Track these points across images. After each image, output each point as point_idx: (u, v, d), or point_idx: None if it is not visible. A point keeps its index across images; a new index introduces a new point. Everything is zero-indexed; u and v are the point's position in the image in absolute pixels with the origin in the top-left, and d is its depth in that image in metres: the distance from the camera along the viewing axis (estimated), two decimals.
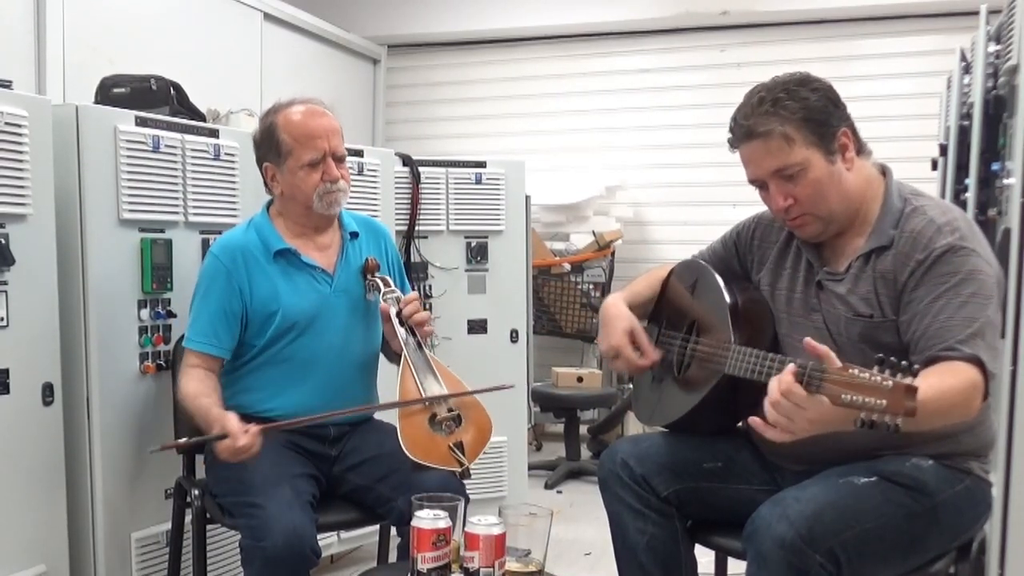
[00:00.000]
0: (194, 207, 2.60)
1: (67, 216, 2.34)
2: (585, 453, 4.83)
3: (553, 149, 5.48)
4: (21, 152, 2.18)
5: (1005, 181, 2.54)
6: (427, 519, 1.65)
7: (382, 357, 2.46)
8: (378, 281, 2.33)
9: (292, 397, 2.25)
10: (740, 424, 2.03)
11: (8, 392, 2.18)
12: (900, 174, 1.88)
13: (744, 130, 1.80)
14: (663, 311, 2.16)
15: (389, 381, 2.38)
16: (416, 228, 3.51)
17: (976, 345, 1.60)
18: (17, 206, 2.18)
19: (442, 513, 1.66)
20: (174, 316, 2.53)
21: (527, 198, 3.92)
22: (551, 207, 5.17)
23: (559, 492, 4.39)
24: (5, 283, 2.17)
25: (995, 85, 2.88)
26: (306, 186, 2.24)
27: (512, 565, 1.69)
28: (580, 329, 5.06)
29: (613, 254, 5.13)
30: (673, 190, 5.35)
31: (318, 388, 2.27)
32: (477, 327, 3.63)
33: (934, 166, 3.64)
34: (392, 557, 2.48)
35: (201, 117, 2.85)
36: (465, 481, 2.14)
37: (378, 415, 2.42)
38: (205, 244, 2.60)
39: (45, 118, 2.26)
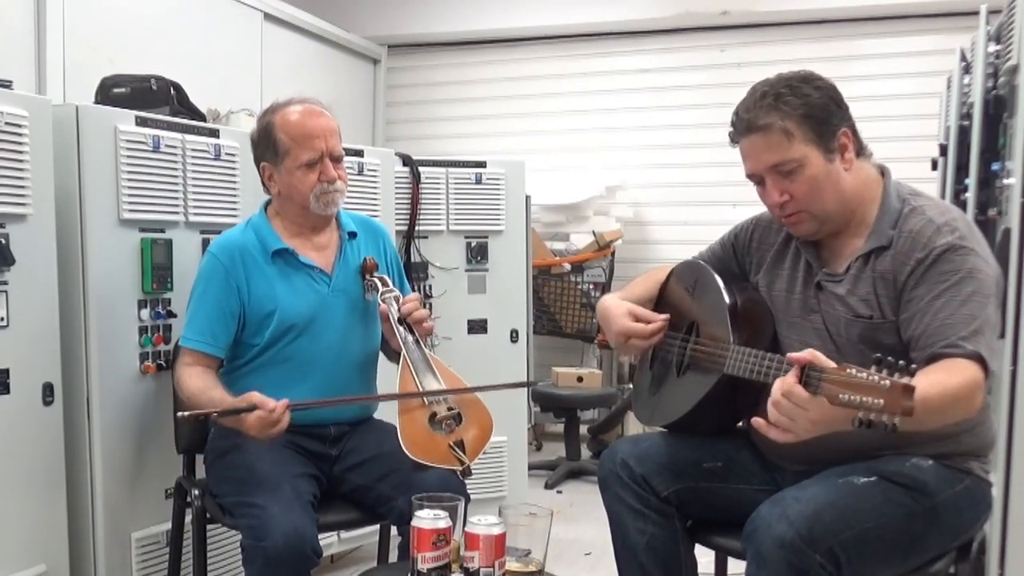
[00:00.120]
0: (194, 207, 2.60)
1: (67, 216, 2.34)
2: (585, 453, 4.83)
3: (553, 149, 5.48)
4: (21, 152, 2.18)
5: (1005, 181, 2.54)
6: (427, 519, 1.65)
7: (381, 357, 2.46)
8: (376, 281, 2.33)
9: (292, 397, 2.24)
10: (740, 424, 2.03)
11: (8, 392, 2.18)
12: (900, 174, 1.88)
13: (745, 123, 1.81)
14: (662, 312, 2.16)
15: (389, 381, 2.38)
16: (416, 228, 3.51)
17: (977, 342, 1.60)
18: (17, 206, 2.18)
19: (442, 513, 1.66)
20: (174, 316, 2.53)
21: (527, 198, 3.92)
22: (551, 207, 5.17)
23: (559, 492, 4.39)
24: (5, 283, 2.17)
25: (995, 85, 2.88)
26: (303, 186, 2.24)
27: (512, 565, 1.70)
28: (580, 329, 5.06)
29: (613, 254, 5.13)
30: (673, 190, 5.35)
31: (318, 388, 2.26)
32: (477, 327, 3.63)
33: (934, 166, 3.64)
34: (392, 557, 2.48)
35: (201, 117, 2.85)
36: (465, 480, 2.14)
37: (378, 414, 2.42)
38: (205, 244, 2.60)
39: (45, 118, 2.26)
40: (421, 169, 3.51)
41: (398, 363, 2.26)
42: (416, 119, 5.88)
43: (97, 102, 2.66)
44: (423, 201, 3.52)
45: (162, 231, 2.53)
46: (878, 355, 1.44)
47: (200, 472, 2.37)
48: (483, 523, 1.65)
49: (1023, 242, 2.35)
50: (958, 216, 1.76)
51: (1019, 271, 2.36)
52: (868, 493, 1.70)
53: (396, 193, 3.41)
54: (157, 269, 2.49)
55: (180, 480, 2.39)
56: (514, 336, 3.70)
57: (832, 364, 1.48)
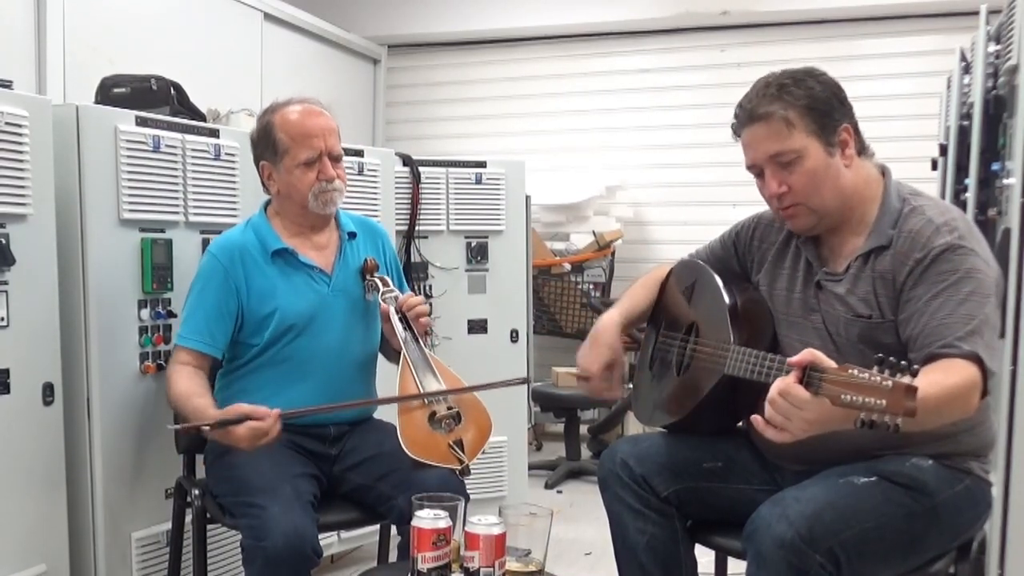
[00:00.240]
0: (194, 207, 2.60)
1: (67, 216, 2.34)
2: (585, 453, 4.83)
3: (553, 149, 5.48)
4: (21, 152, 2.18)
5: (1005, 181, 2.54)
6: (427, 519, 1.65)
7: (381, 357, 2.46)
8: (377, 281, 2.33)
9: (291, 398, 2.25)
10: (740, 424, 2.03)
11: (8, 392, 2.18)
12: (900, 174, 1.88)
13: (747, 113, 1.81)
14: (662, 312, 2.17)
15: (388, 380, 2.38)
16: (416, 228, 3.51)
17: (975, 342, 1.60)
18: (17, 206, 2.18)
19: (442, 513, 1.66)
20: (174, 316, 2.53)
21: (527, 198, 3.92)
22: (551, 207, 5.17)
23: (559, 492, 4.39)
24: (5, 283, 2.17)
25: (995, 85, 2.88)
26: (302, 185, 2.24)
27: (512, 565, 1.70)
28: (580, 329, 5.06)
29: (613, 254, 5.14)
30: (673, 190, 5.35)
31: (317, 388, 2.27)
32: (477, 327, 3.63)
33: (934, 166, 3.64)
34: (392, 557, 2.48)
35: (201, 117, 2.85)
36: (465, 479, 2.15)
37: (377, 414, 2.42)
38: (205, 244, 2.60)
39: (45, 118, 2.26)
40: (421, 169, 3.51)
41: (398, 363, 2.27)
42: (416, 119, 5.88)
43: (97, 102, 2.66)
44: (423, 201, 3.52)
45: (162, 231, 2.53)
46: (880, 355, 1.43)
47: (200, 472, 2.37)
48: (483, 523, 1.65)
49: (1023, 242, 2.35)
50: (958, 216, 1.76)
51: (1019, 271, 2.36)
52: (868, 493, 1.70)
53: (396, 193, 3.41)
54: (157, 269, 2.49)
55: (180, 480, 2.39)
56: (514, 336, 3.70)
57: (833, 364, 1.48)
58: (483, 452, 2.21)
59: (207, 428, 2.04)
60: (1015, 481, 2.36)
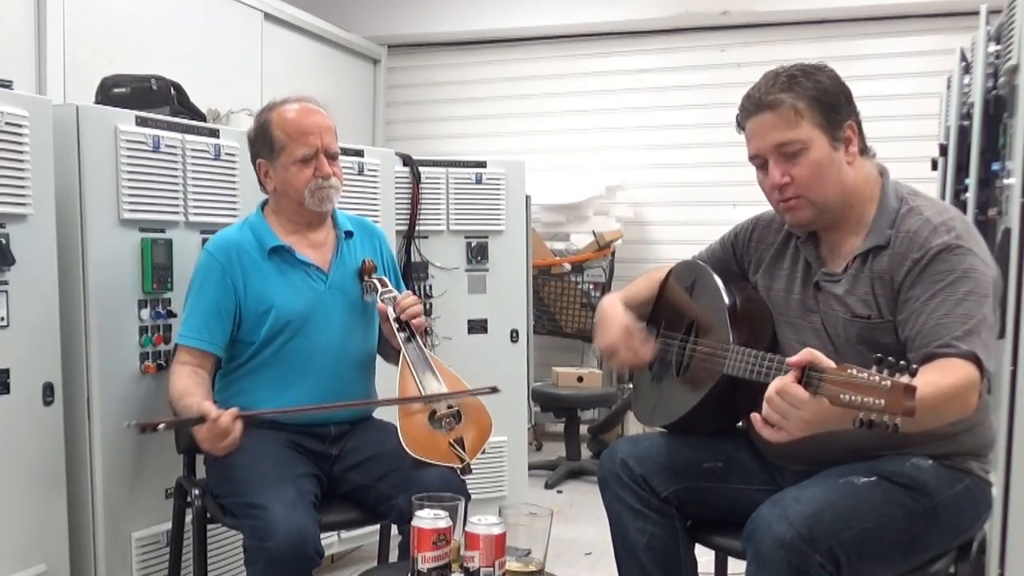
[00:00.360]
0: (194, 207, 2.60)
1: (67, 216, 2.34)
2: (585, 453, 4.83)
3: (553, 149, 5.48)
4: (21, 152, 2.18)
5: (1005, 181, 2.54)
6: (427, 519, 1.65)
7: (379, 358, 2.46)
8: (375, 282, 2.35)
9: (290, 397, 2.25)
10: (740, 424, 2.03)
11: (8, 392, 2.18)
12: (900, 174, 1.88)
13: (754, 102, 1.81)
14: (662, 311, 2.17)
15: (387, 379, 2.39)
16: (416, 228, 3.51)
17: (972, 342, 1.60)
18: (17, 206, 2.18)
19: (442, 513, 1.66)
20: (174, 316, 2.53)
21: (527, 198, 3.92)
22: (551, 207, 5.17)
23: (559, 492, 4.39)
24: (5, 283, 2.17)
25: (995, 85, 2.88)
26: (298, 181, 2.25)
27: (512, 565, 1.70)
28: (580, 329, 5.06)
29: (613, 254, 5.14)
30: (673, 190, 5.35)
31: (316, 387, 2.27)
32: (477, 327, 3.63)
33: (934, 166, 3.64)
34: (392, 557, 2.48)
35: (201, 117, 2.85)
36: (465, 478, 2.15)
37: (377, 413, 2.42)
38: (205, 244, 2.60)
39: (45, 118, 2.26)
40: (421, 169, 3.51)
41: (396, 363, 2.28)
42: (416, 119, 5.88)
43: (97, 102, 2.66)
44: (423, 201, 3.52)
45: (162, 231, 2.53)
46: (878, 355, 1.43)
47: (200, 472, 2.37)
48: (483, 523, 1.65)
49: (1023, 242, 2.35)
50: (956, 216, 1.76)
51: (1019, 271, 2.36)
52: (868, 493, 1.70)
53: (396, 193, 3.41)
54: (157, 269, 2.50)
55: (180, 480, 2.39)
56: (514, 336, 3.70)
57: (832, 364, 1.48)
58: (483, 452, 2.22)
59: (162, 427, 2.06)
60: (1015, 481, 2.36)
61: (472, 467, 2.15)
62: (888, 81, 4.84)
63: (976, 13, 3.18)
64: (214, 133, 2.68)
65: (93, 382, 2.38)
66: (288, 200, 2.30)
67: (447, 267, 3.58)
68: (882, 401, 1.40)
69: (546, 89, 5.59)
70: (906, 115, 4.68)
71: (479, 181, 3.61)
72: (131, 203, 2.44)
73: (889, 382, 1.40)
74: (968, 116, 3.07)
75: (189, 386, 2.16)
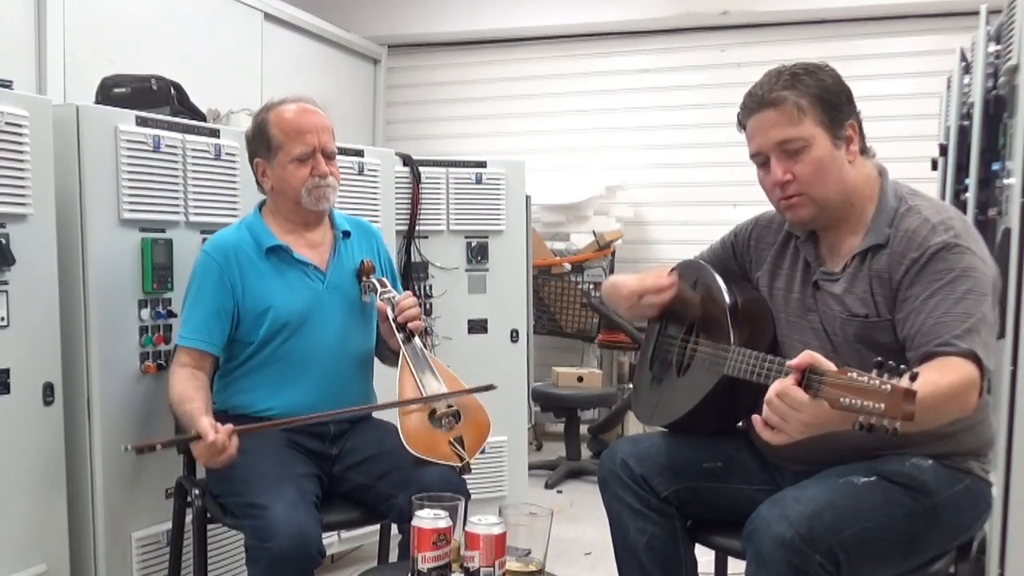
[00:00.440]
0: (195, 207, 2.60)
1: (68, 216, 2.34)
2: (585, 453, 4.83)
3: (553, 149, 5.48)
4: (22, 152, 2.18)
5: (1005, 181, 2.54)
6: (427, 519, 1.65)
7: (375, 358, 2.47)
8: (374, 283, 2.35)
9: (289, 396, 2.26)
10: (740, 424, 2.03)
11: (8, 392, 2.18)
12: (900, 174, 1.88)
13: (757, 99, 1.81)
14: (663, 311, 2.16)
15: (386, 378, 2.39)
16: (416, 228, 3.51)
17: (972, 341, 1.60)
18: (18, 206, 2.18)
19: (442, 513, 1.66)
20: (174, 316, 2.53)
21: (527, 198, 3.92)
22: (551, 207, 5.17)
23: (559, 492, 4.39)
24: (5, 283, 2.17)
25: (995, 85, 2.88)
26: (294, 180, 2.25)
27: (512, 565, 1.70)
28: (580, 329, 5.06)
29: (613, 254, 5.14)
30: (673, 190, 5.35)
31: (314, 386, 2.27)
32: (477, 327, 3.63)
33: (934, 166, 3.64)
34: (393, 557, 2.48)
35: (202, 117, 2.85)
36: (465, 477, 2.16)
37: (377, 412, 2.42)
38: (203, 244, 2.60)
39: (46, 118, 2.26)
40: (421, 169, 3.51)
41: (393, 365, 2.29)
42: (416, 119, 5.88)
43: (97, 102, 2.66)
44: (423, 201, 3.52)
45: (162, 231, 2.53)
46: (879, 359, 1.43)
47: (200, 472, 2.37)
48: (483, 523, 1.65)
49: (1023, 242, 2.35)
50: (954, 215, 1.76)
51: (1019, 271, 2.36)
52: (868, 493, 1.70)
53: (396, 193, 3.41)
54: (157, 269, 2.50)
55: (180, 480, 2.39)
56: (514, 336, 3.70)
57: (833, 367, 1.48)
58: (483, 452, 2.22)
59: (159, 447, 2.08)
60: (1015, 481, 2.36)
61: (472, 466, 2.15)
62: (888, 81, 4.84)
63: (976, 13, 3.18)
64: (214, 133, 2.68)
65: (93, 382, 2.38)
66: (285, 199, 2.30)
67: (447, 267, 3.58)
68: (882, 405, 1.40)
69: (546, 89, 5.59)
70: (906, 115, 4.68)
71: (479, 181, 3.61)
72: (131, 203, 2.44)
73: (889, 386, 1.40)
74: (968, 116, 3.07)
75: (188, 390, 2.16)
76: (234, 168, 2.71)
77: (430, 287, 3.55)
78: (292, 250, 2.30)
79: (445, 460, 2.12)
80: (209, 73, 4.08)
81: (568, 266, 5.00)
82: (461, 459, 2.13)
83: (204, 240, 2.61)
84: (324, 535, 2.03)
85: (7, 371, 2.18)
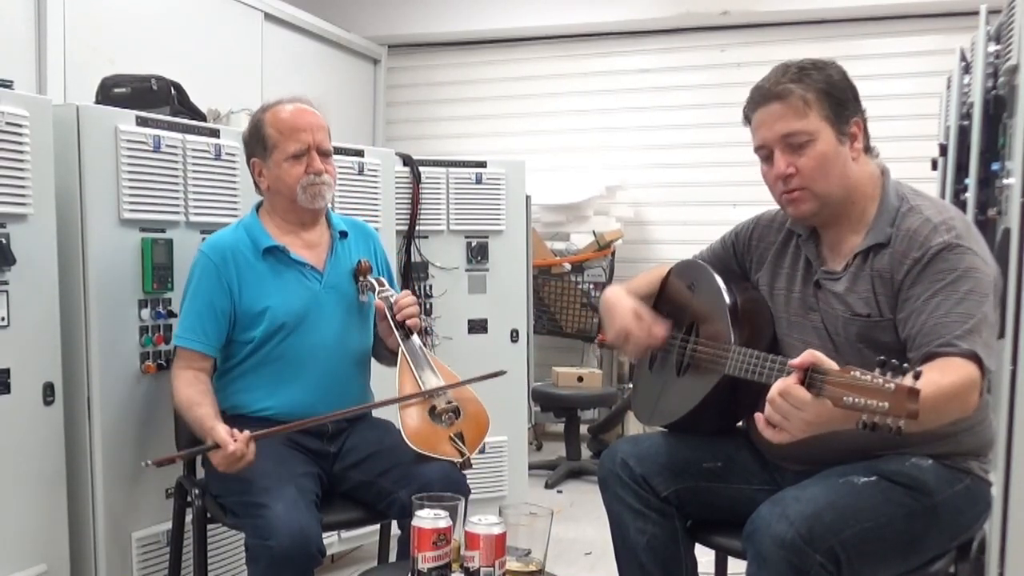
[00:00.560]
0: (195, 207, 2.60)
1: (68, 216, 2.34)
2: (585, 453, 4.83)
3: (553, 149, 5.48)
4: (22, 152, 2.18)
5: (1005, 181, 2.54)
6: (427, 519, 1.65)
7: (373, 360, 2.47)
8: (372, 282, 2.36)
9: (287, 395, 2.26)
10: (740, 424, 2.03)
11: (9, 392, 2.18)
12: (900, 174, 1.88)
13: (764, 92, 1.81)
14: (662, 311, 2.16)
15: (385, 377, 2.39)
16: (416, 228, 3.51)
17: (973, 341, 1.60)
18: (18, 206, 2.18)
19: (442, 513, 1.66)
20: (175, 316, 2.53)
21: (527, 198, 3.92)
22: (551, 207, 5.17)
23: (559, 492, 4.39)
24: (6, 283, 2.17)
25: (995, 85, 2.88)
26: (290, 178, 2.26)
27: (512, 565, 1.70)
28: (580, 329, 5.06)
29: (613, 254, 5.14)
30: (673, 190, 5.35)
31: (312, 385, 2.28)
32: (477, 327, 3.63)
33: (934, 166, 3.64)
34: (393, 556, 2.48)
35: (202, 117, 2.85)
36: (465, 472, 2.16)
37: (375, 411, 2.43)
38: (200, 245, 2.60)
39: (46, 118, 2.26)
40: (421, 169, 3.51)
41: (390, 365, 2.31)
42: (416, 119, 5.88)
43: (98, 102, 2.66)
44: (423, 201, 3.52)
45: (162, 231, 2.53)
46: (882, 357, 1.43)
47: (200, 472, 2.37)
48: (483, 523, 1.65)
49: (1023, 242, 2.35)
50: (956, 215, 1.76)
51: (1019, 271, 2.36)
52: (868, 493, 1.70)
53: (396, 193, 3.41)
54: (157, 269, 2.50)
55: (180, 480, 2.39)
56: (514, 336, 3.70)
57: (835, 366, 1.48)
58: (482, 452, 2.23)
59: (179, 459, 2.12)
60: (1015, 481, 2.36)
61: (472, 462, 2.16)
62: (888, 81, 4.84)
63: (976, 13, 3.18)
64: (214, 133, 2.68)
65: (93, 382, 2.38)
66: (281, 198, 2.31)
67: (447, 267, 3.58)
68: (886, 404, 1.39)
69: (546, 89, 5.59)
70: (906, 115, 4.68)
71: (479, 181, 3.61)
72: (131, 203, 2.44)
73: (893, 384, 1.39)
74: (968, 116, 3.07)
75: (194, 394, 2.17)
76: (234, 168, 2.71)
77: (430, 287, 3.55)
78: (289, 250, 2.30)
79: (446, 456, 2.13)
80: (209, 73, 4.08)
81: (568, 266, 5.00)
82: (462, 454, 2.14)
83: (204, 240, 2.61)
84: (324, 535, 2.03)
85: (7, 371, 2.18)
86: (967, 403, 1.59)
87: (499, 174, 3.63)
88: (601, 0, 5.35)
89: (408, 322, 2.30)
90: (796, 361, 1.52)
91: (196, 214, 2.61)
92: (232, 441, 2.01)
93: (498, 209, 3.64)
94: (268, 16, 4.77)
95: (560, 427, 4.91)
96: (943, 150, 3.53)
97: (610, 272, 5.12)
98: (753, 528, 1.69)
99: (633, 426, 4.84)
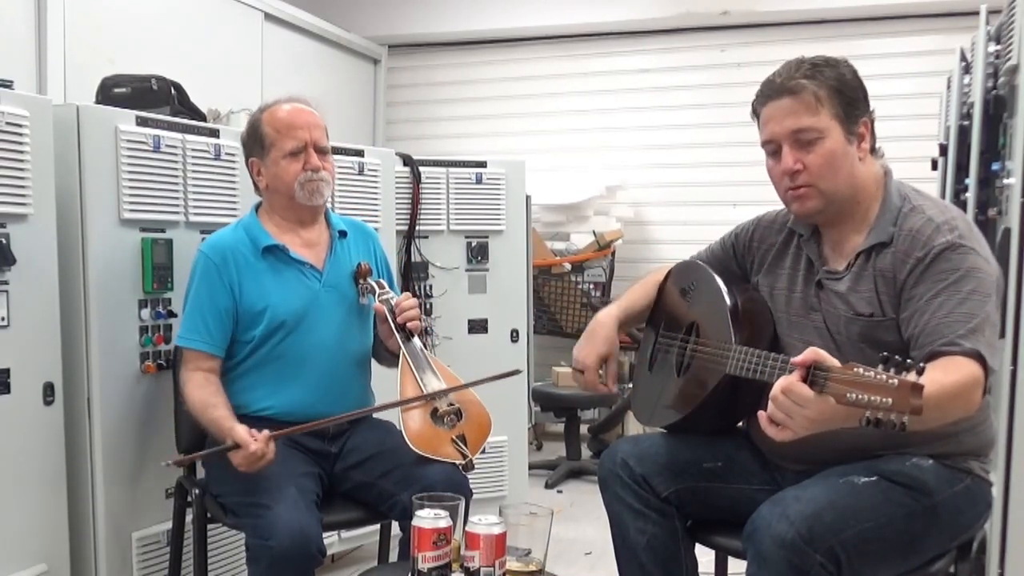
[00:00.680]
0: (195, 207, 2.60)
1: (68, 216, 2.34)
2: (585, 453, 4.84)
3: (553, 149, 5.48)
4: (22, 152, 2.18)
5: (1005, 181, 2.54)
6: (427, 519, 1.65)
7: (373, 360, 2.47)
8: (372, 284, 2.36)
9: (288, 395, 2.26)
10: (740, 424, 2.03)
11: (9, 392, 2.18)
12: (900, 174, 1.88)
13: (775, 87, 1.80)
14: (661, 312, 2.17)
15: (385, 377, 2.39)
16: (417, 228, 3.51)
17: (976, 340, 1.60)
18: (18, 206, 2.18)
19: (443, 513, 1.66)
20: (175, 316, 2.53)
21: (527, 198, 3.92)
22: (551, 207, 5.17)
23: (559, 492, 4.39)
24: (6, 283, 2.17)
25: (995, 85, 2.88)
26: (288, 175, 2.27)
27: (512, 564, 1.70)
28: (580, 329, 4.98)
29: (613, 254, 5.14)
30: (673, 190, 5.35)
31: (313, 384, 2.28)
32: (477, 327, 3.63)
33: (934, 166, 3.64)
34: (393, 556, 2.48)
35: (202, 117, 2.86)
36: (467, 473, 2.16)
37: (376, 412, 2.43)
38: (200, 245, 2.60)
39: (46, 118, 2.26)
40: (421, 169, 3.51)
41: (391, 366, 2.31)
42: (416, 119, 5.88)
43: (98, 102, 2.66)
44: (423, 201, 3.52)
45: (162, 231, 2.53)
46: (885, 353, 1.42)
47: (201, 472, 2.37)
48: (483, 523, 1.65)
49: (1023, 242, 2.35)
50: (958, 215, 1.76)
51: (1019, 271, 2.36)
52: (868, 493, 1.70)
53: (396, 193, 3.41)
54: (157, 269, 2.50)
55: (180, 480, 2.39)
56: (514, 336, 3.70)
57: (837, 363, 1.48)
58: (483, 452, 2.23)
59: (199, 459, 2.13)
60: (1015, 481, 2.36)
61: (474, 463, 2.16)
62: (888, 81, 4.82)
63: (976, 13, 3.18)
64: (214, 133, 2.68)
65: (93, 382, 2.38)
66: (280, 196, 2.31)
67: (447, 267, 3.58)
68: (889, 400, 1.39)
69: (546, 89, 5.59)
70: (906, 115, 4.67)
71: (479, 181, 3.61)
72: (131, 203, 2.44)
73: (896, 380, 1.39)
74: (968, 116, 3.07)
75: (207, 396, 2.17)
76: (234, 168, 2.71)
77: (430, 287, 3.55)
78: (289, 249, 2.30)
79: (448, 458, 2.14)
80: (209, 73, 4.08)
81: (568, 266, 4.99)
82: (464, 456, 2.14)
83: (203, 240, 2.61)
84: (324, 535, 2.03)
85: (7, 371, 2.18)
86: (970, 402, 1.59)
87: (499, 174, 3.63)
88: (601, 0, 5.35)
89: (409, 325, 2.30)
90: (799, 358, 1.51)
91: (196, 214, 2.61)
92: (253, 441, 2.02)
93: (498, 209, 3.64)
94: (268, 16, 4.77)
95: (560, 427, 4.91)
96: (943, 150, 3.53)
97: (610, 272, 5.12)
98: (753, 528, 1.69)
99: (633, 426, 4.84)
